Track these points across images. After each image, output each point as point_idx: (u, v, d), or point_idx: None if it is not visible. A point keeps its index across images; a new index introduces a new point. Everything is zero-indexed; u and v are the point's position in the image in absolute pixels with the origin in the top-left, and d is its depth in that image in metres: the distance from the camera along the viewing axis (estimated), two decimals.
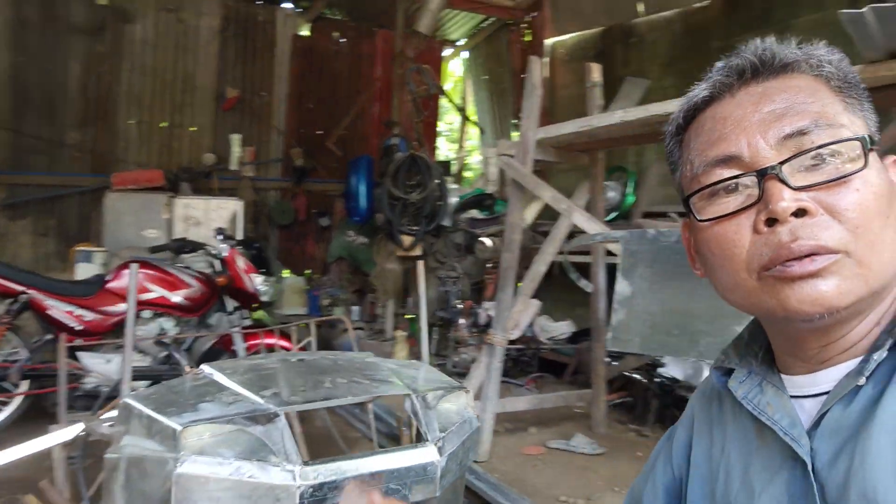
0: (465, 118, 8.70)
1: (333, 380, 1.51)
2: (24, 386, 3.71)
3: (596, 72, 4.18)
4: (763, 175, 0.58)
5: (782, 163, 0.58)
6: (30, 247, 6.72)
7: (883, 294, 0.59)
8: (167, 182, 6.30)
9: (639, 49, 6.93)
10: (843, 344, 0.61)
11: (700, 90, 0.66)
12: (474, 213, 8.00)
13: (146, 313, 3.84)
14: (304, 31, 7.95)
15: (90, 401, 3.53)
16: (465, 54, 9.43)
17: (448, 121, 10.90)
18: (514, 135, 8.67)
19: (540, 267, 4.09)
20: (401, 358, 6.79)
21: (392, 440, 1.60)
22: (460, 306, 6.94)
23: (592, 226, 3.41)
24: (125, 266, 3.90)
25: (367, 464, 1.23)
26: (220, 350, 4.01)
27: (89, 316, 3.81)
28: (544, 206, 7.95)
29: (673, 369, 4.52)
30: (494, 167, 8.98)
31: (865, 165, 0.57)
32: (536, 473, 3.57)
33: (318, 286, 7.90)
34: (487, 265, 7.69)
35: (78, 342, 3.67)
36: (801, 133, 0.58)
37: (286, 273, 7.79)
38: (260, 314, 5.75)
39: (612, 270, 4.73)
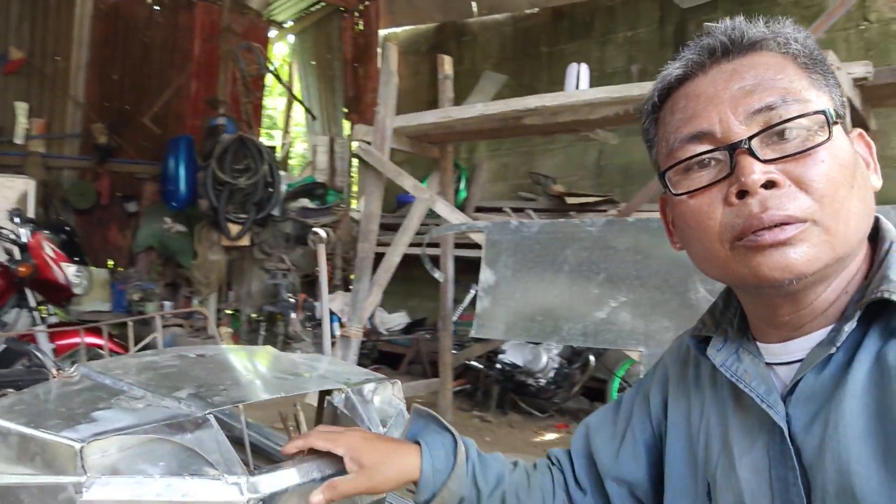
0: (297, 102, 8.33)
1: (251, 377, 1.33)
2: None
3: (448, 65, 4.23)
4: (734, 149, 0.61)
5: (751, 137, 0.60)
6: None
7: (847, 261, 0.62)
8: None
9: (471, 47, 7.16)
10: (813, 311, 0.64)
11: (673, 69, 0.68)
12: (305, 203, 7.71)
13: None
14: None
15: None
16: (292, 38, 9.03)
17: (272, 105, 10.37)
18: (346, 123, 8.52)
19: (394, 258, 4.05)
20: None
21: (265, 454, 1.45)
22: (293, 300, 6.65)
23: (455, 216, 3.43)
24: None
25: (313, 469, 1.08)
26: (19, 352, 3.38)
27: None
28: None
29: (512, 355, 4.73)
30: (324, 155, 8.74)
31: (830, 138, 0.60)
32: None
33: (123, 279, 7.05)
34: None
35: None
36: (770, 108, 0.61)
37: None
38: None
39: (457, 262, 4.85)
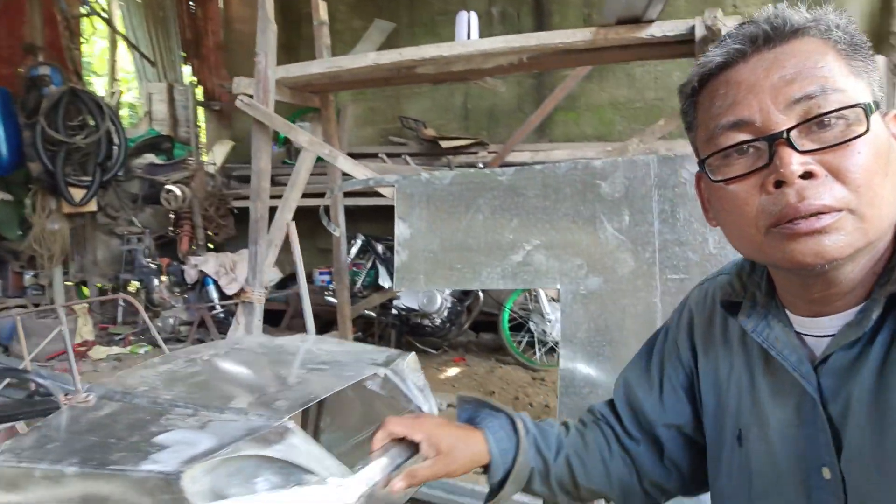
0: (130, 47, 7.43)
1: (288, 374, 1.31)
2: None
3: (322, 10, 4.04)
4: (773, 140, 0.63)
5: (790, 129, 0.62)
6: None
7: (877, 243, 0.65)
8: None
9: None
10: (842, 290, 0.67)
11: (714, 56, 0.69)
12: (151, 158, 7.05)
13: None
14: None
15: None
16: None
17: (86, 50, 9.13)
18: (186, 68, 7.80)
19: (286, 214, 3.90)
20: (87, 332, 5.77)
21: None
22: (153, 265, 6.16)
23: (360, 170, 3.38)
24: None
25: (395, 456, 1.11)
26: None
27: None
28: (233, 148, 7.47)
29: (407, 300, 4.86)
30: (161, 104, 7.98)
31: (868, 129, 0.62)
32: None
33: None
34: (171, 216, 6.93)
35: None
36: (809, 98, 0.62)
37: None
38: None
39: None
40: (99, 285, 6.60)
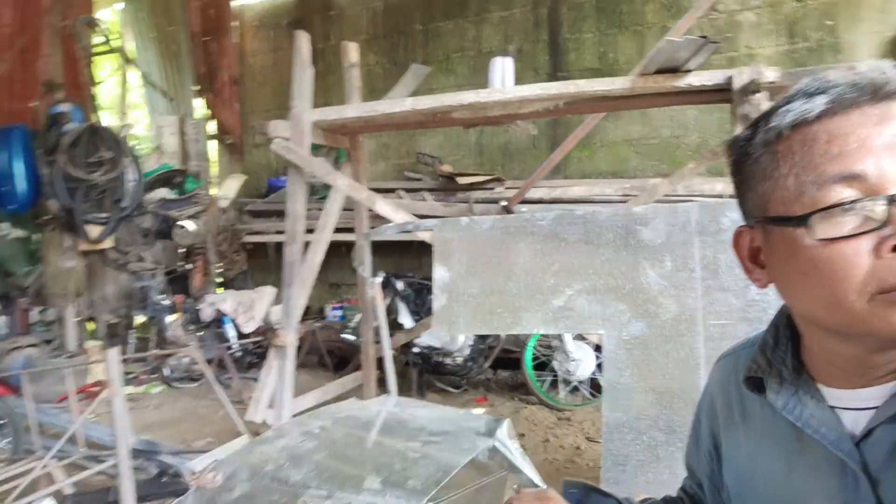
0: (145, 82, 7.47)
1: (403, 447, 1.31)
2: None
3: (354, 52, 4.09)
4: (893, 201, 0.60)
5: None
6: None
7: None
8: None
9: (339, 22, 6.92)
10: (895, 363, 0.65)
11: (815, 103, 0.64)
12: (163, 193, 7.04)
13: None
14: None
15: None
16: (121, 5, 8.01)
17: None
18: (197, 101, 7.84)
19: (317, 256, 3.91)
20: (98, 374, 5.69)
21: None
22: (166, 302, 6.12)
23: (399, 215, 3.40)
24: None
25: None
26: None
27: None
28: (245, 182, 7.48)
29: (429, 339, 4.84)
30: (172, 137, 7.99)
31: None
32: None
33: None
34: (182, 251, 6.90)
35: None
36: None
37: None
38: None
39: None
40: (108, 320, 6.53)
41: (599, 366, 4.53)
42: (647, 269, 2.96)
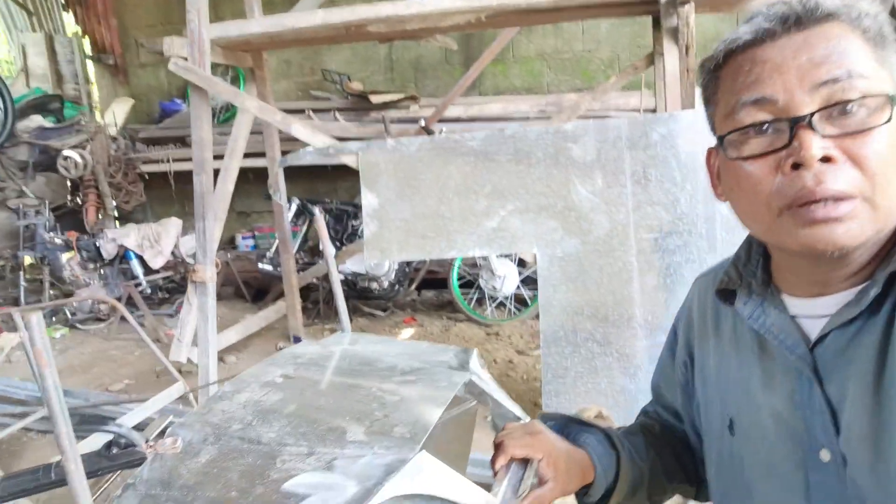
0: None
1: (378, 389, 1.26)
2: None
3: None
4: (796, 122, 0.63)
5: (813, 113, 0.62)
6: None
7: (886, 231, 0.66)
8: None
9: None
10: (846, 273, 0.68)
11: (742, 32, 0.68)
12: (39, 121, 6.32)
13: None
14: None
15: None
16: None
17: None
18: (67, 18, 6.97)
19: (228, 185, 3.66)
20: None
21: None
22: (59, 240, 5.61)
23: (318, 137, 3.21)
24: None
25: (515, 476, 1.11)
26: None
27: None
28: (133, 107, 6.83)
29: (353, 265, 4.75)
30: (39, 57, 7.12)
31: (890, 119, 0.62)
32: None
33: None
34: (69, 184, 6.30)
35: None
36: (834, 81, 0.62)
37: None
38: None
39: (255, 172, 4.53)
40: None
41: (524, 280, 4.64)
42: (579, 185, 2.98)
